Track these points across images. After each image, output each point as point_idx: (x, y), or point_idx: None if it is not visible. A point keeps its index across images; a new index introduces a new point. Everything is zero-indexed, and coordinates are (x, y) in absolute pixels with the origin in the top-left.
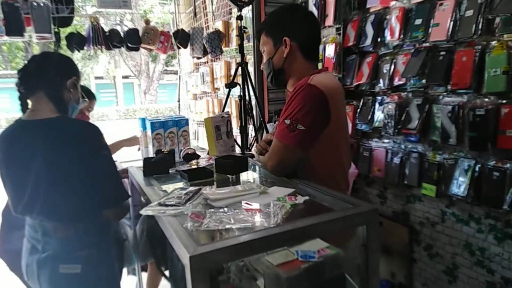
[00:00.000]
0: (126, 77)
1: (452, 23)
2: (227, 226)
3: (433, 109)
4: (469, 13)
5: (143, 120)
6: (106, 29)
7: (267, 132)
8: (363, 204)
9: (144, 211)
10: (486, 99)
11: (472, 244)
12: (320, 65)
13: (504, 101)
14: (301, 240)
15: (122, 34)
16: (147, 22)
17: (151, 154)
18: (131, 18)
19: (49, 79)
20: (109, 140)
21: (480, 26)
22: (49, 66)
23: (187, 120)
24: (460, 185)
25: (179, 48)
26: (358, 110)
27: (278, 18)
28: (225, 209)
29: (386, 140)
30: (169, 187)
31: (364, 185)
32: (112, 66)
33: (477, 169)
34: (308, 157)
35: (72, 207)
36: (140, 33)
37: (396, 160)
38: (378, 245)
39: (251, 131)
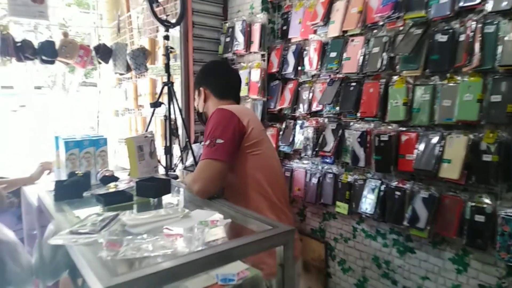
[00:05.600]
0: (38, 87)
1: (361, 57)
2: (145, 254)
3: (345, 134)
4: (376, 50)
5: (57, 138)
6: (19, 36)
7: (193, 152)
8: (281, 225)
9: (54, 240)
10: (389, 127)
11: (379, 257)
12: (246, 89)
13: (403, 129)
14: (221, 264)
15: (36, 45)
16: (65, 34)
17: (64, 176)
18: (47, 25)
19: None
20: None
21: (384, 62)
22: None
23: (105, 139)
24: (368, 204)
25: (100, 63)
26: (281, 133)
27: (198, 73)
28: (145, 235)
29: (305, 161)
30: (83, 213)
31: None
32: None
33: (382, 189)
34: (236, 176)
35: None
36: (57, 46)
37: (314, 180)
38: (294, 264)
39: (177, 152)
